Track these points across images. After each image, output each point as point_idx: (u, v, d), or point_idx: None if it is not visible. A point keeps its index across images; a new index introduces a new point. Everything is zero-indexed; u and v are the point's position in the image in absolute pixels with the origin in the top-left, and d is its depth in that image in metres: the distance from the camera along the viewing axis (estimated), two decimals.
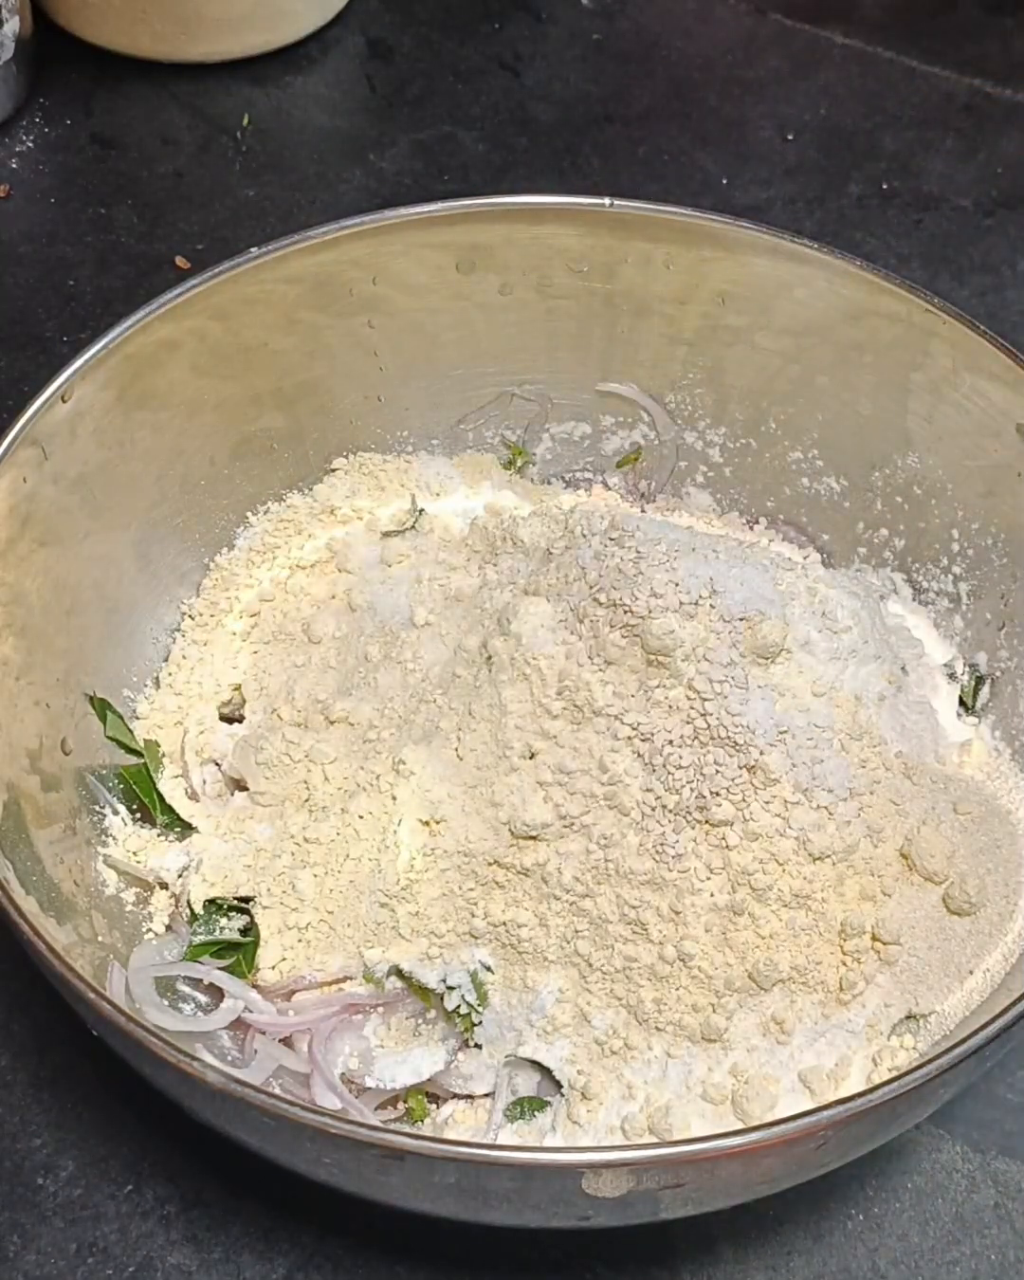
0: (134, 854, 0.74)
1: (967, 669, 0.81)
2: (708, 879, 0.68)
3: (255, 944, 0.70)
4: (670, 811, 0.67)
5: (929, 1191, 0.73)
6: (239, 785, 0.75)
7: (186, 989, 0.71)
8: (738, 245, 0.82)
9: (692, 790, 0.67)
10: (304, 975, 0.70)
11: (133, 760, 0.77)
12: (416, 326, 0.85)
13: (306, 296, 0.82)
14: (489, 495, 0.88)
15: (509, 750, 0.69)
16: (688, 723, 0.68)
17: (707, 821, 0.68)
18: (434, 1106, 0.69)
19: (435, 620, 0.77)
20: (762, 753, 0.69)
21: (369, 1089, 0.68)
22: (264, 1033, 0.69)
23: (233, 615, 0.83)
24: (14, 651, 0.71)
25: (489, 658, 0.71)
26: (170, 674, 0.80)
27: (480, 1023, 0.68)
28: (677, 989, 0.67)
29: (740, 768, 0.68)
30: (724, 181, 1.19)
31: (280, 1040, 0.69)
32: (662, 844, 0.67)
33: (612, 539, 0.73)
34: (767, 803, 0.68)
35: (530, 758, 0.69)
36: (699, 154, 1.21)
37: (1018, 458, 0.77)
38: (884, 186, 1.19)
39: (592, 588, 0.70)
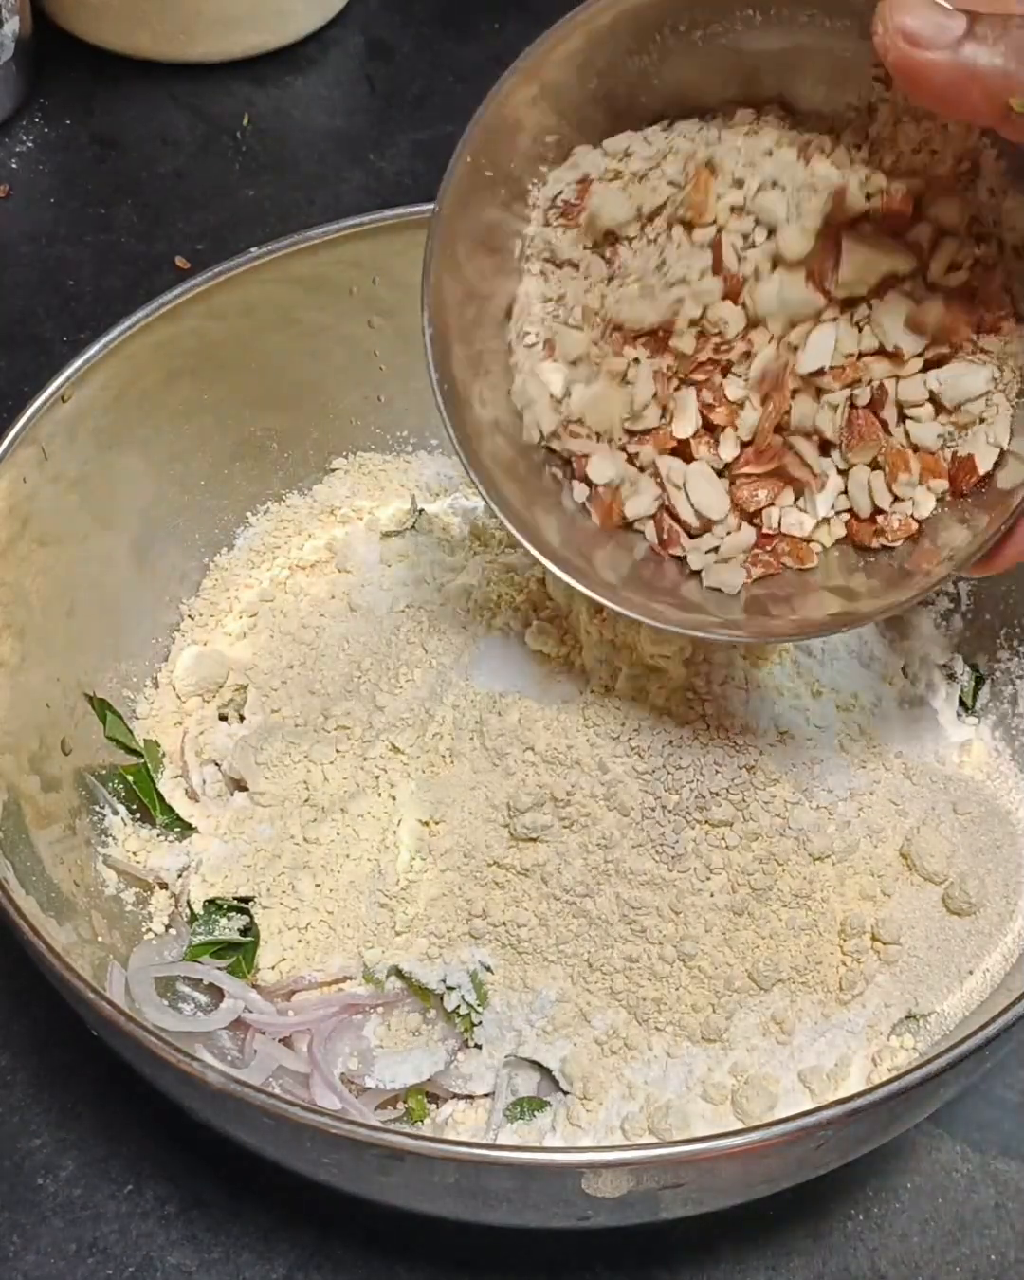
0: (134, 854, 0.74)
1: (967, 669, 0.81)
2: (708, 879, 0.68)
3: (255, 944, 0.70)
4: (670, 812, 0.67)
5: (929, 1191, 0.73)
6: (239, 785, 0.75)
7: (186, 989, 0.71)
8: None
9: (691, 790, 0.67)
10: (304, 975, 0.69)
11: (133, 760, 0.77)
12: (416, 326, 0.85)
13: (306, 296, 0.82)
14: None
15: (508, 750, 0.69)
16: (686, 724, 0.68)
17: (706, 822, 0.68)
18: (434, 1106, 0.69)
19: (434, 621, 0.76)
20: (761, 753, 0.69)
21: (369, 1089, 0.68)
22: (264, 1033, 0.69)
23: (233, 615, 0.83)
24: (14, 651, 0.71)
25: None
26: (170, 674, 0.80)
27: (480, 1023, 0.68)
28: (677, 989, 0.67)
29: (740, 768, 0.68)
30: None
31: (280, 1040, 0.69)
32: (661, 844, 0.67)
33: None
34: (766, 803, 0.68)
35: (529, 752, 0.69)
36: None
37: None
38: None
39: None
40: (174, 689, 0.80)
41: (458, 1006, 0.68)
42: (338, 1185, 0.61)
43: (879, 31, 0.49)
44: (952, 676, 0.81)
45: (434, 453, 0.90)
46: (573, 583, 0.62)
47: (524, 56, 0.58)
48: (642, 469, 0.63)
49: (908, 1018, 0.70)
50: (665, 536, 0.63)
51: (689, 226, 0.59)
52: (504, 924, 0.68)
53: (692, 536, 0.64)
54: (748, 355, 0.60)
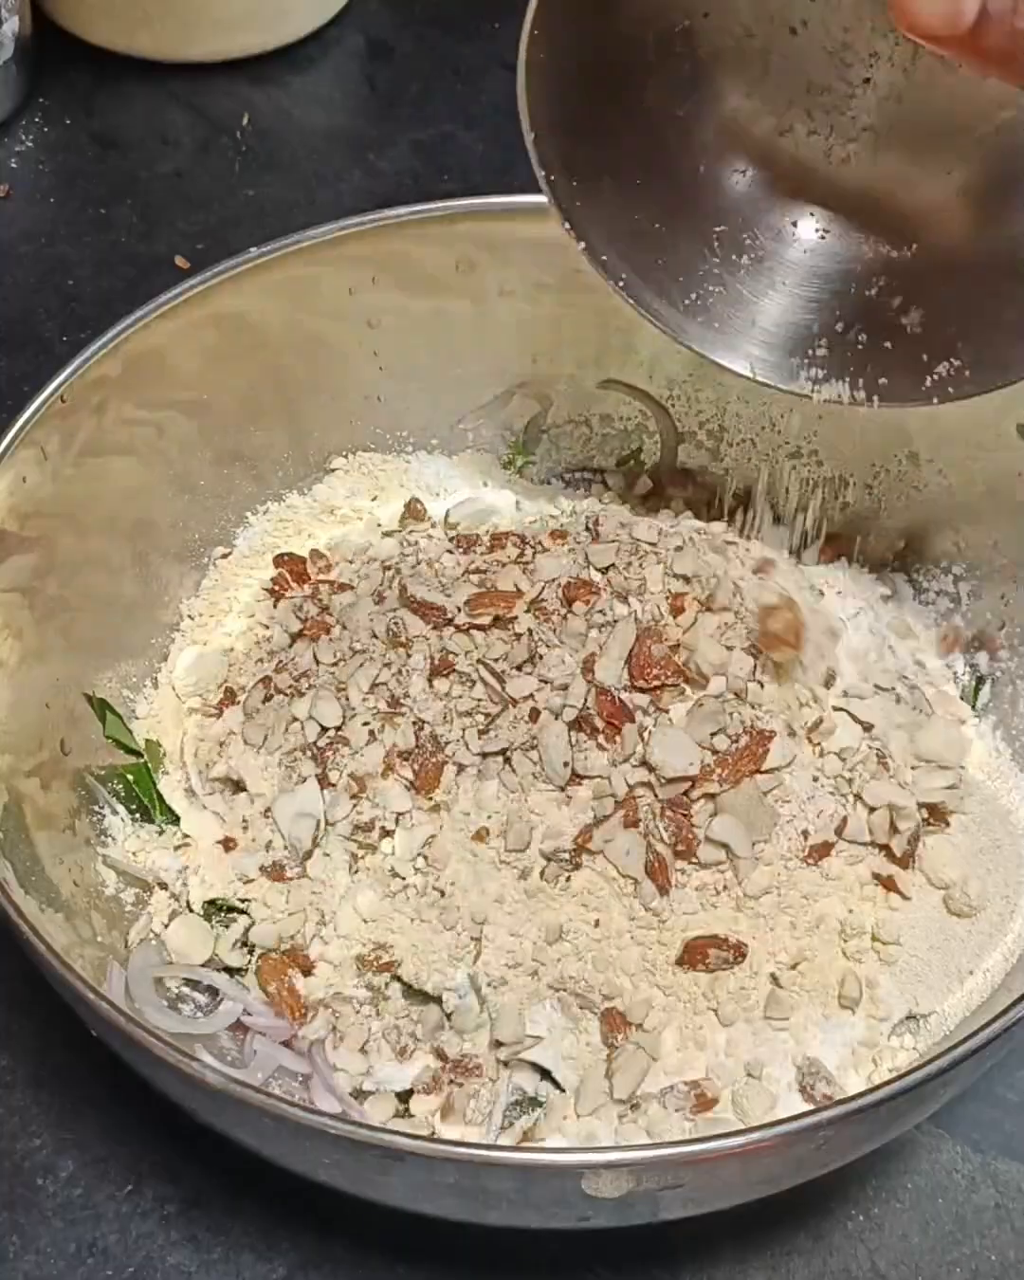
0: (134, 854, 0.74)
1: (967, 669, 0.81)
2: (708, 880, 0.68)
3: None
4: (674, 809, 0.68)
5: (929, 1191, 0.73)
6: (239, 785, 0.75)
7: (186, 990, 0.71)
8: None
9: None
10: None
11: (133, 760, 0.77)
12: (416, 326, 0.85)
13: (307, 296, 0.82)
14: (489, 495, 0.88)
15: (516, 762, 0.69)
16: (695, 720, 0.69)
17: (709, 838, 0.68)
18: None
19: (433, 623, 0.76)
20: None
21: (368, 1091, 0.68)
22: (264, 1034, 0.69)
23: (233, 615, 0.83)
24: (14, 651, 0.71)
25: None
26: (170, 674, 0.80)
27: (479, 1024, 0.68)
28: (677, 991, 0.67)
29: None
30: None
31: (280, 1041, 0.69)
32: (662, 842, 0.67)
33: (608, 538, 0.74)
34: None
35: (531, 750, 0.69)
36: None
37: (1018, 458, 0.77)
38: None
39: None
40: (174, 689, 0.80)
41: (457, 1009, 0.68)
42: (338, 1185, 0.61)
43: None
44: (952, 677, 0.81)
45: (434, 453, 0.90)
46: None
47: None
48: None
49: (908, 1018, 0.70)
50: None
51: None
52: (504, 927, 0.68)
53: None
54: None
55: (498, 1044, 0.67)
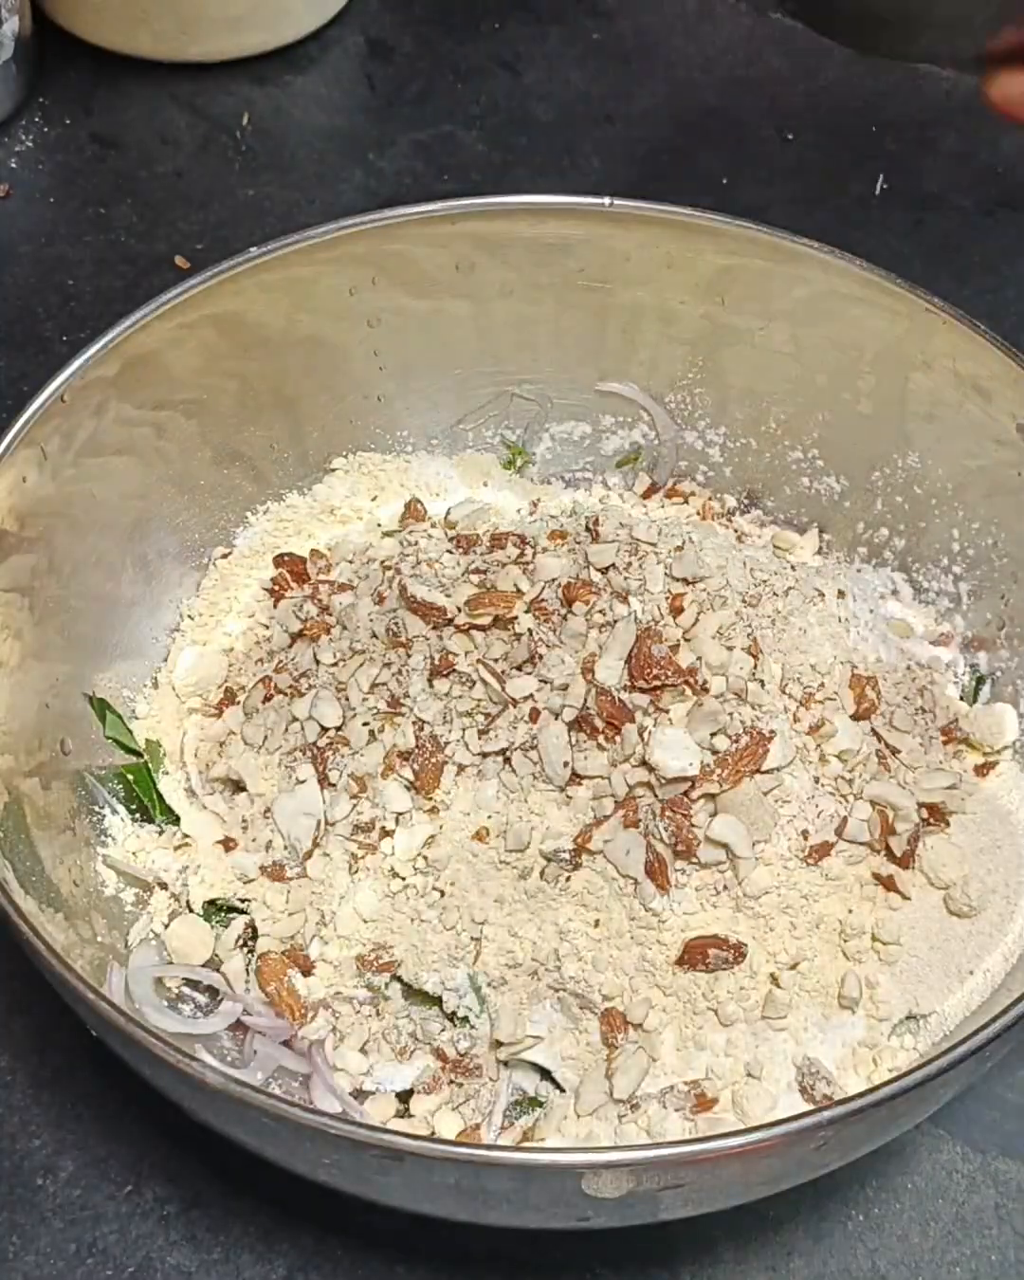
0: (134, 854, 0.74)
1: (967, 669, 0.81)
2: (708, 880, 0.68)
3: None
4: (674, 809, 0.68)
5: (929, 1191, 0.73)
6: (238, 786, 0.75)
7: (186, 990, 0.71)
8: (738, 245, 0.81)
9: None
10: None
11: (133, 760, 0.77)
12: (417, 326, 0.85)
13: (306, 296, 0.82)
14: (489, 495, 0.88)
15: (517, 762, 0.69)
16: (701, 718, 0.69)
17: (709, 839, 0.68)
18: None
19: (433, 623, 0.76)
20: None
21: (368, 1091, 0.68)
22: (263, 1034, 0.69)
23: (232, 615, 0.83)
24: (14, 652, 0.71)
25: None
26: (170, 674, 0.80)
27: (479, 1025, 0.68)
28: (677, 991, 0.67)
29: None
30: (724, 181, 1.19)
31: (280, 1041, 0.69)
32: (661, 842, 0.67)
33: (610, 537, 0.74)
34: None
35: (531, 751, 0.69)
36: (699, 154, 1.21)
37: (1018, 458, 0.77)
38: (884, 186, 1.19)
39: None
40: (174, 689, 0.80)
41: (457, 1009, 0.68)
42: (338, 1185, 0.61)
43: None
44: (952, 677, 0.81)
45: (434, 453, 0.90)
46: None
47: None
48: None
49: (908, 1018, 0.70)
50: None
51: None
52: (504, 928, 0.68)
53: None
54: None
55: (498, 1044, 0.67)
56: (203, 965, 0.71)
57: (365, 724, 0.71)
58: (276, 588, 0.82)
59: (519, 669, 0.70)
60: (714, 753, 0.68)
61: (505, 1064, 0.68)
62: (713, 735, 0.68)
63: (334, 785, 0.71)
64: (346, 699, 0.72)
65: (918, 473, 0.83)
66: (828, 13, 1.22)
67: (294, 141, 1.20)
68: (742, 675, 0.70)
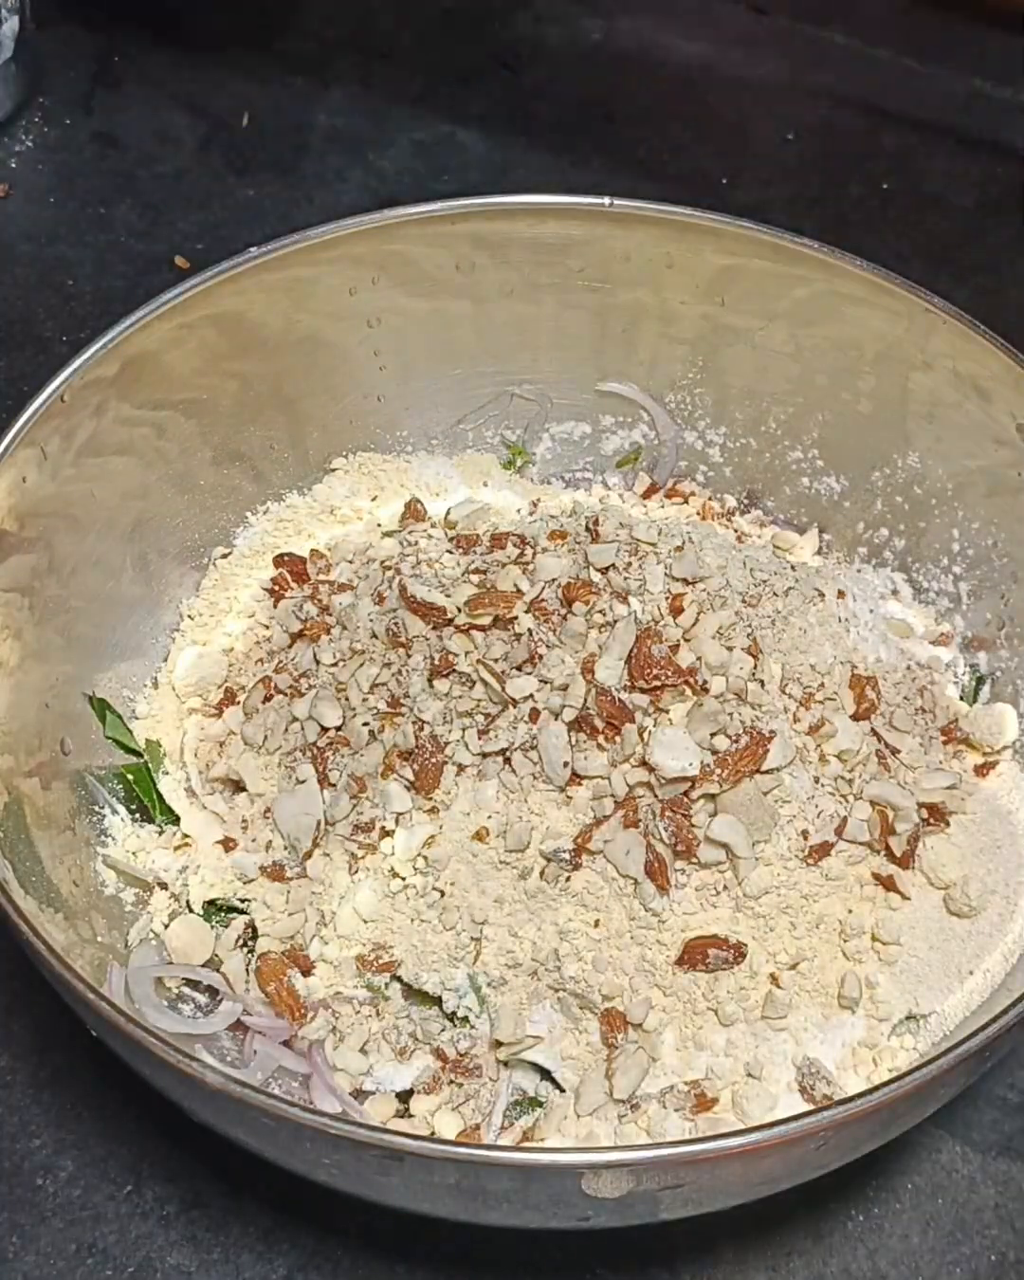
0: (134, 854, 0.74)
1: (967, 669, 0.81)
2: (708, 880, 0.68)
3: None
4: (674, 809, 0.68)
5: (929, 1191, 0.73)
6: (239, 786, 0.75)
7: (186, 990, 0.71)
8: (738, 245, 0.81)
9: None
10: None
11: (133, 760, 0.77)
12: (417, 326, 0.85)
13: (306, 296, 0.82)
14: (489, 495, 0.88)
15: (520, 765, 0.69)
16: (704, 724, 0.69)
17: (709, 839, 0.68)
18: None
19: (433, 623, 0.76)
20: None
21: (368, 1091, 0.68)
22: (263, 1034, 0.69)
23: (232, 615, 0.83)
24: (14, 652, 0.71)
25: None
26: (170, 674, 0.80)
27: (479, 1025, 0.68)
28: (677, 991, 0.67)
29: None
30: (724, 181, 1.19)
31: (280, 1041, 0.69)
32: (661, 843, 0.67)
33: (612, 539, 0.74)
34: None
35: (531, 751, 0.69)
36: (699, 154, 1.21)
37: (1018, 458, 0.77)
38: (884, 186, 1.19)
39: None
40: (174, 689, 0.80)
41: (457, 1010, 0.68)
42: (338, 1185, 0.61)
43: None
44: (952, 677, 0.81)
45: (434, 453, 0.90)
46: None
47: None
48: None
49: (908, 1018, 0.70)
50: None
51: None
52: (504, 928, 0.68)
53: None
54: None
55: (498, 1044, 0.67)
56: (202, 965, 0.71)
57: (365, 724, 0.71)
58: (276, 588, 0.82)
59: (519, 669, 0.70)
60: (714, 753, 0.68)
61: (505, 1064, 0.68)
62: (713, 735, 0.68)
63: (334, 785, 0.71)
64: (347, 699, 0.72)
65: (918, 473, 0.83)
66: None
67: (294, 141, 1.20)
68: (742, 675, 0.70)
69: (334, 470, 0.88)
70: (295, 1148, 0.59)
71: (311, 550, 0.84)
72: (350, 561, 0.81)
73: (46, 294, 1.07)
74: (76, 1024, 0.63)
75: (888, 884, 0.71)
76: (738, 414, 0.88)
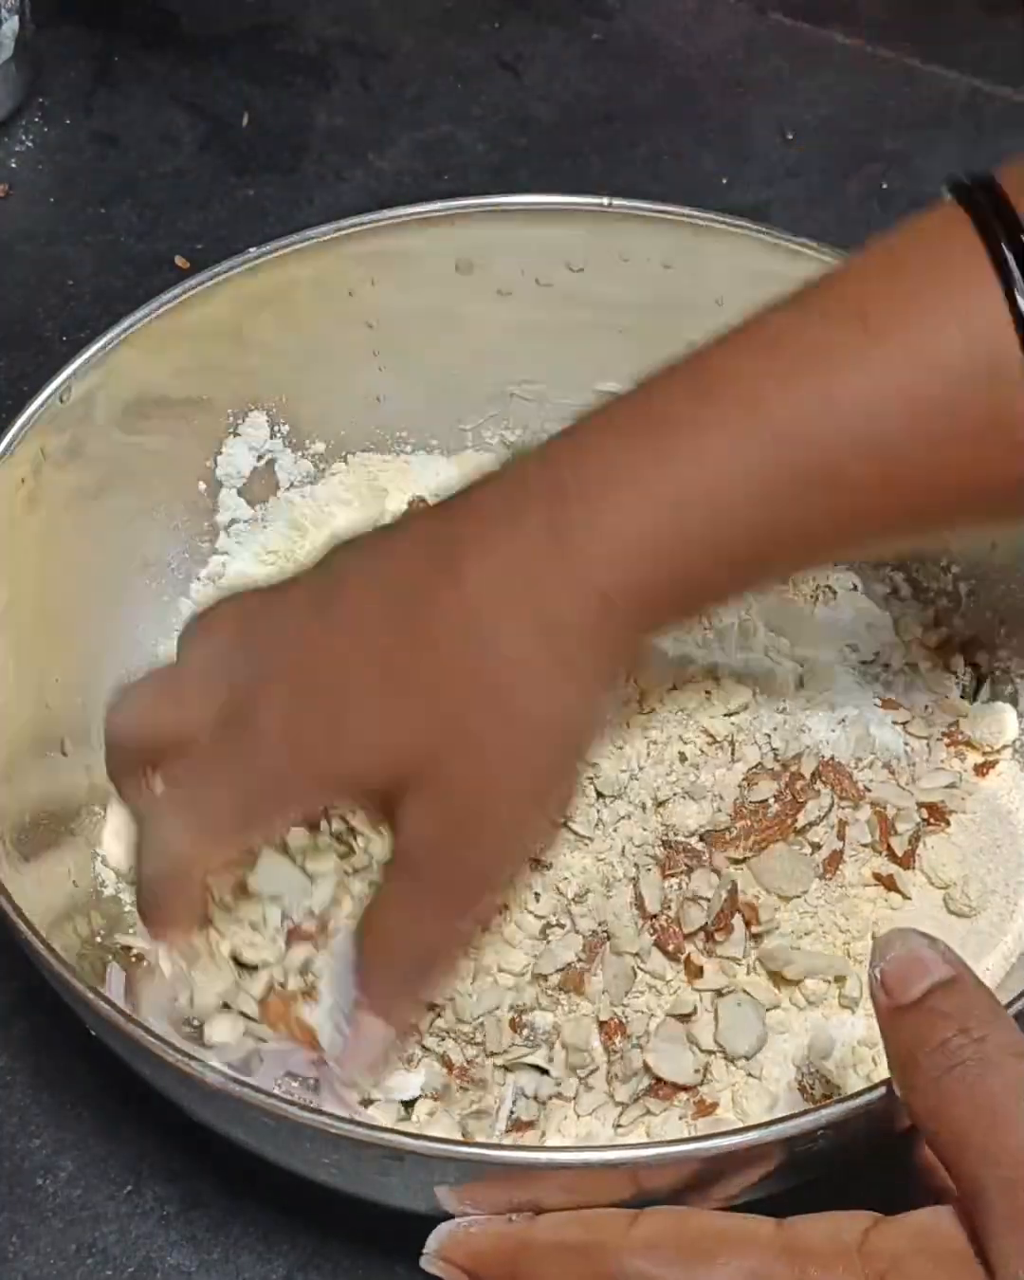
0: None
1: (967, 668, 0.81)
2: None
3: None
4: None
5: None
6: None
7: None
8: (738, 245, 0.81)
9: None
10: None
11: None
12: (417, 326, 0.85)
13: (306, 296, 0.82)
14: None
15: None
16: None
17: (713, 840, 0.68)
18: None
19: None
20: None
21: (377, 1100, 0.68)
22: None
23: None
24: (12, 652, 0.71)
25: None
26: None
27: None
28: (676, 990, 0.67)
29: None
30: (724, 181, 1.18)
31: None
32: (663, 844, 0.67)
33: None
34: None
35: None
36: (699, 154, 1.21)
37: None
38: (884, 186, 1.19)
39: None
40: None
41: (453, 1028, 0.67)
42: (338, 1185, 0.61)
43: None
44: (952, 676, 0.81)
45: (434, 453, 0.90)
46: None
47: None
48: None
49: None
50: None
51: None
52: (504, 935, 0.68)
53: None
54: None
55: (491, 1053, 0.67)
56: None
57: None
58: None
59: None
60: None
61: (507, 1069, 0.68)
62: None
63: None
64: None
65: None
66: None
67: (294, 141, 1.20)
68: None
69: (334, 470, 0.88)
70: (295, 1148, 0.59)
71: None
72: None
73: (46, 294, 1.07)
74: (76, 1024, 0.62)
75: (889, 884, 0.71)
76: None
